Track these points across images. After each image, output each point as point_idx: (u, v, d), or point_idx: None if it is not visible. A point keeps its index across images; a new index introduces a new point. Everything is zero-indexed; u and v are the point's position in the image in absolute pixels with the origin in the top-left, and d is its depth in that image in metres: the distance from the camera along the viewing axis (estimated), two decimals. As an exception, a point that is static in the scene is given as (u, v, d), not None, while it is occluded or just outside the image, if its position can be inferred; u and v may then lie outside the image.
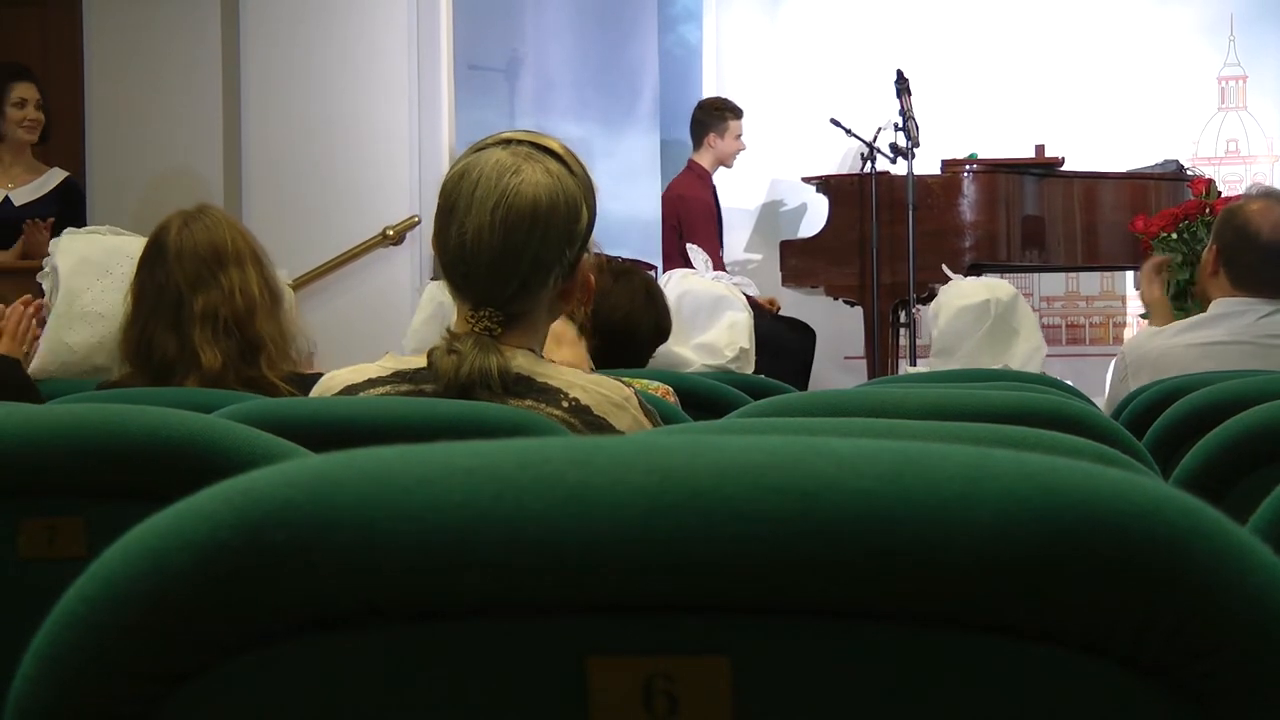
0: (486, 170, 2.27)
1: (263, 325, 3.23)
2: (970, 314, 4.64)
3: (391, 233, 8.18)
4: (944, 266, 4.99)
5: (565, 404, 2.25)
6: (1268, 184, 7.99)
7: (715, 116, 8.18)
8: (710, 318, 4.60)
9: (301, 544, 0.78)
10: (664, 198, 8.24)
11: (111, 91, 8.37)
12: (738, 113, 8.18)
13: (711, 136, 8.15)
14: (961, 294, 4.71)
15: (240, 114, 8.33)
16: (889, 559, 0.74)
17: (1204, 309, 4.09)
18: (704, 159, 8.17)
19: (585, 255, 2.37)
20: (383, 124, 8.24)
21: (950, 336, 4.68)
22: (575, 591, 0.76)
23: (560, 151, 2.32)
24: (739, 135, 8.14)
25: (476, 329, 2.28)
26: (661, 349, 4.08)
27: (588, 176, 2.34)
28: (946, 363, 4.57)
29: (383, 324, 7.88)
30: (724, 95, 8.46)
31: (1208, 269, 4.08)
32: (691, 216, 8.04)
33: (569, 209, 2.28)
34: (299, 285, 6.45)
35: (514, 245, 2.26)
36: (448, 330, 2.31)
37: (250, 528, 0.78)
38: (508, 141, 2.32)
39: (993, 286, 4.76)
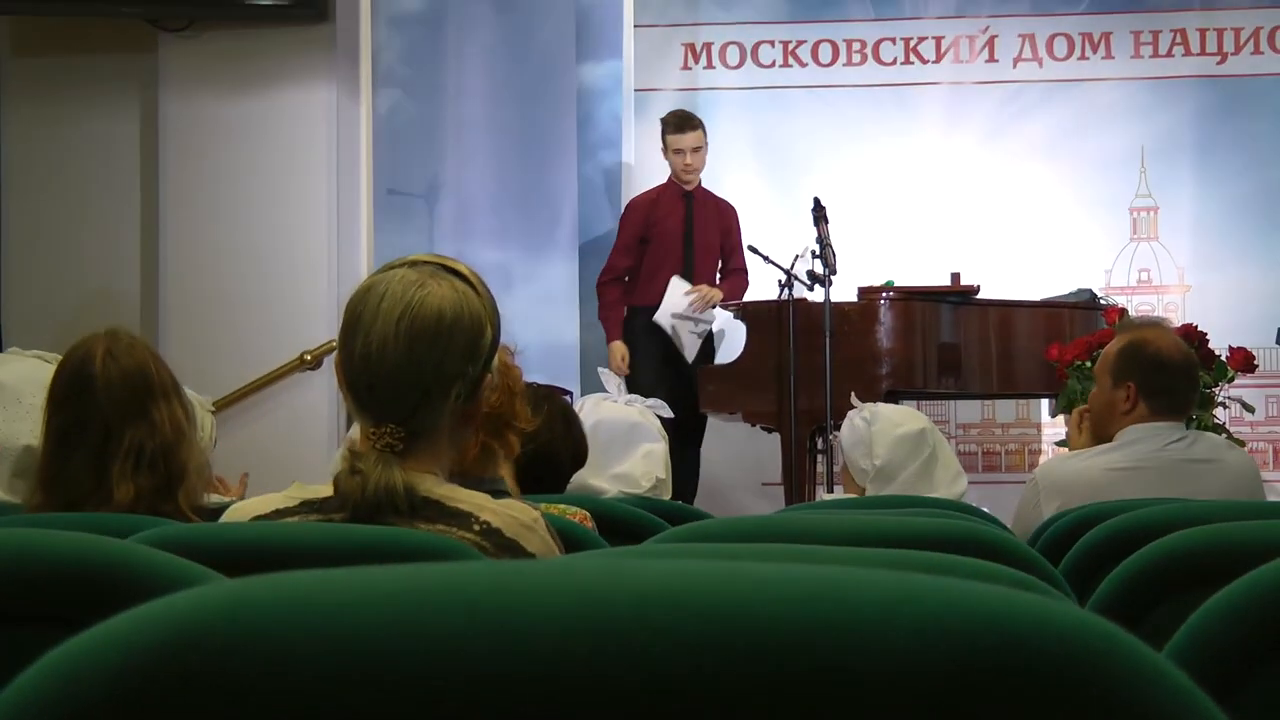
0: (393, 285, 2.30)
1: (186, 455, 3.17)
2: (909, 443, 4.64)
3: (309, 357, 8.15)
4: (852, 395, 4.99)
5: (476, 527, 2.25)
6: (1140, 314, 8.09)
7: (662, 130, 8.28)
8: (626, 448, 4.59)
9: (218, 668, 0.77)
10: None
11: (28, 214, 8.34)
12: (673, 126, 8.18)
13: (662, 150, 8.25)
14: (894, 423, 4.70)
15: (159, 235, 8.31)
16: (808, 681, 0.74)
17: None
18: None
19: (489, 378, 2.38)
20: (301, 247, 8.23)
21: (891, 466, 4.67)
22: (497, 715, 0.76)
23: (466, 273, 2.36)
24: (677, 150, 8.14)
25: (378, 445, 2.28)
26: (577, 479, 4.07)
27: (492, 300, 2.37)
28: (884, 490, 4.56)
29: (299, 448, 7.83)
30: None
31: (1120, 407, 4.11)
32: (623, 219, 8.29)
33: (473, 324, 2.31)
34: (216, 409, 6.40)
35: (418, 355, 2.27)
36: (349, 450, 2.30)
37: (167, 653, 0.78)
38: (415, 263, 2.35)
39: (917, 414, 4.78)
